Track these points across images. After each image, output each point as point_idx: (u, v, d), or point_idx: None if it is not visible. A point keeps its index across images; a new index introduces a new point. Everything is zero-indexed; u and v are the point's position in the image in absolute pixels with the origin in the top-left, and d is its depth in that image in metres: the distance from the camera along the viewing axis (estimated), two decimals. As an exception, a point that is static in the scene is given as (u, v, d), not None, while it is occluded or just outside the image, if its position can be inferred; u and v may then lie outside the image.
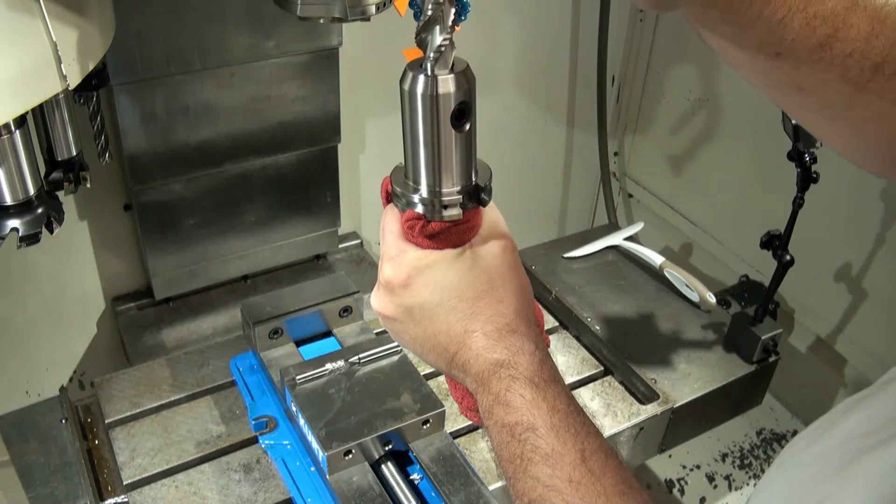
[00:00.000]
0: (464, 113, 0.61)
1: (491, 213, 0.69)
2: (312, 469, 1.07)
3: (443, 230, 0.65)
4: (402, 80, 0.60)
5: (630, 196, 2.07)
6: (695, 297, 1.42)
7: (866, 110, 0.59)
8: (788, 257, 1.24)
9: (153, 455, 1.10)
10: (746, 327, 1.31)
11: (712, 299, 1.40)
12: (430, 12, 0.58)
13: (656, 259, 1.50)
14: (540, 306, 0.71)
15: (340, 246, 1.65)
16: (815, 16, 0.55)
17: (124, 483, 1.07)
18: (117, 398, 1.18)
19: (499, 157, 1.92)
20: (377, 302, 0.69)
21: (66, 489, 1.06)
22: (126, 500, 1.06)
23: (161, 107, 1.26)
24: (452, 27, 0.59)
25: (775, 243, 1.24)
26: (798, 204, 1.20)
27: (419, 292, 0.65)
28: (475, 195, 0.65)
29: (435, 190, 0.64)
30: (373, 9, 0.86)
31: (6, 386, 1.47)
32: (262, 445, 1.11)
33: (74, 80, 0.76)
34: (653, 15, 1.84)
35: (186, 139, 1.31)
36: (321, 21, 0.86)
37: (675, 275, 1.46)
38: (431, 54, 0.59)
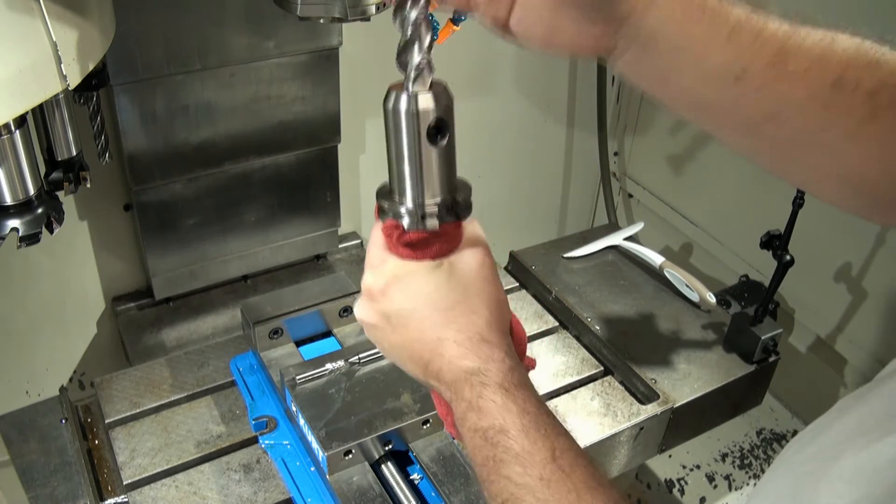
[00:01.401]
0: (441, 129, 0.65)
1: (472, 229, 0.71)
2: (312, 469, 1.07)
3: (420, 240, 0.68)
4: (385, 99, 0.66)
5: (630, 196, 2.07)
6: (695, 297, 1.42)
7: (838, 130, 0.61)
8: (788, 257, 1.24)
9: (153, 455, 1.10)
10: (746, 327, 1.31)
11: (712, 299, 1.40)
12: (408, 34, 0.62)
13: (656, 259, 1.50)
14: (521, 325, 0.74)
15: (340, 246, 1.65)
16: (760, 32, 0.60)
17: (124, 483, 1.07)
18: (117, 398, 1.18)
19: (499, 157, 1.93)
20: (358, 309, 0.73)
21: (66, 489, 1.06)
22: (126, 500, 1.06)
23: (161, 107, 1.26)
24: (430, 48, 0.63)
25: (775, 243, 1.24)
26: (798, 204, 1.20)
27: (396, 300, 0.68)
28: (453, 209, 0.68)
29: (413, 201, 0.68)
30: (373, 9, 0.86)
31: (6, 386, 1.47)
32: (262, 445, 1.11)
33: (74, 80, 0.76)
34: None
35: (186, 139, 1.31)
36: (321, 21, 0.86)
37: (675, 275, 1.46)
38: (412, 73, 0.63)
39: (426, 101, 0.64)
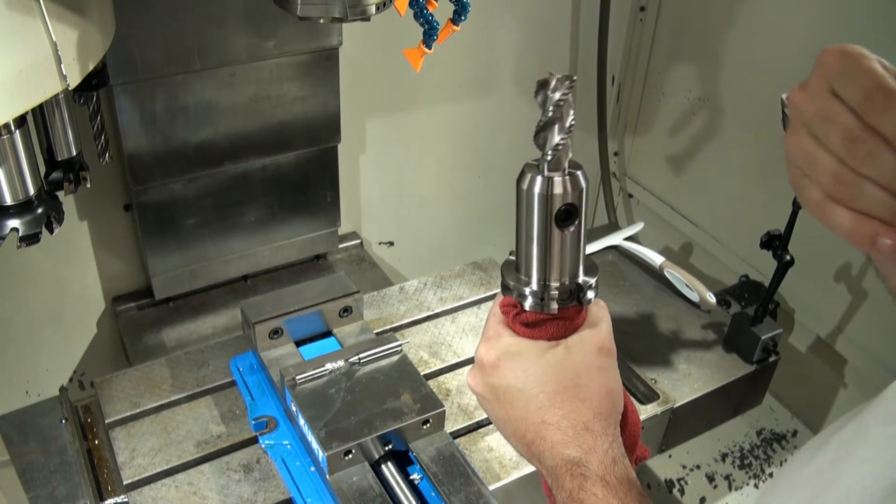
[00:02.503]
0: (570, 214, 0.65)
1: (596, 311, 0.72)
2: (312, 469, 1.07)
3: (538, 321, 0.69)
4: (519, 179, 0.65)
5: (630, 196, 2.07)
6: (695, 297, 1.42)
7: None
8: (788, 257, 1.24)
9: (153, 455, 1.10)
10: (746, 327, 1.31)
11: (712, 299, 1.40)
12: (550, 113, 0.61)
13: (656, 259, 1.50)
14: (637, 414, 0.73)
15: (340, 246, 1.65)
16: None
17: (124, 483, 1.07)
18: (117, 398, 1.18)
19: (499, 157, 1.92)
20: (470, 377, 0.73)
21: (66, 489, 1.06)
22: (126, 500, 1.06)
23: (161, 107, 1.26)
24: (570, 129, 0.62)
25: (775, 243, 1.24)
26: (798, 204, 1.20)
27: (505, 375, 0.69)
28: (575, 293, 0.68)
29: (535, 282, 0.68)
30: (373, 9, 0.86)
31: (6, 386, 1.47)
32: (262, 445, 1.11)
33: (74, 80, 0.76)
34: (653, 14, 1.84)
35: (186, 139, 1.31)
36: (321, 21, 0.86)
37: (675, 275, 1.46)
38: (548, 154, 0.62)
39: (560, 186, 0.63)
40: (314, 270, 1.60)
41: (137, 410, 1.17)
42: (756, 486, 1.78)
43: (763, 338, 1.29)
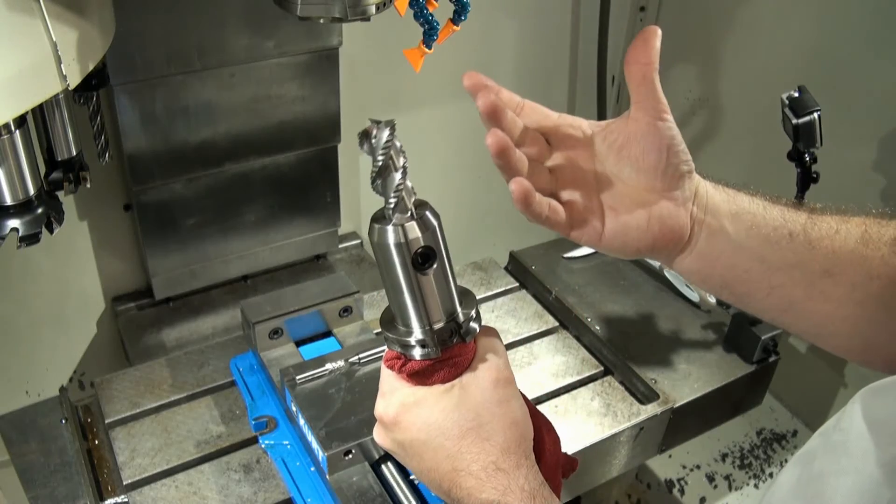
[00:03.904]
0: (427, 257, 0.63)
1: (487, 344, 0.69)
2: (312, 469, 1.07)
3: (423, 368, 0.66)
4: (369, 232, 0.63)
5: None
6: (695, 297, 1.43)
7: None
8: (788, 257, 1.23)
9: (153, 455, 1.10)
10: (746, 327, 1.31)
11: (712, 299, 1.40)
12: (380, 161, 0.60)
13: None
14: (555, 431, 0.71)
15: (340, 246, 1.65)
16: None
17: (124, 483, 1.07)
18: (117, 398, 1.18)
19: (499, 157, 1.92)
20: (376, 434, 0.72)
21: (66, 489, 1.06)
22: (126, 500, 1.06)
23: (161, 107, 1.26)
24: (405, 169, 0.60)
25: (775, 243, 1.24)
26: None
27: (408, 429, 0.67)
28: (455, 331, 0.66)
29: (414, 330, 0.65)
30: (373, 9, 0.86)
31: (6, 386, 1.47)
32: (262, 445, 1.11)
33: (74, 80, 0.76)
34: (653, 14, 1.84)
35: (186, 139, 1.31)
36: (321, 21, 0.86)
37: (675, 275, 1.46)
38: (392, 199, 0.61)
39: (411, 231, 0.61)
40: (314, 270, 1.60)
41: (137, 410, 1.17)
42: (756, 486, 1.78)
43: (763, 338, 1.29)
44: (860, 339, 0.69)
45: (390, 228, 0.62)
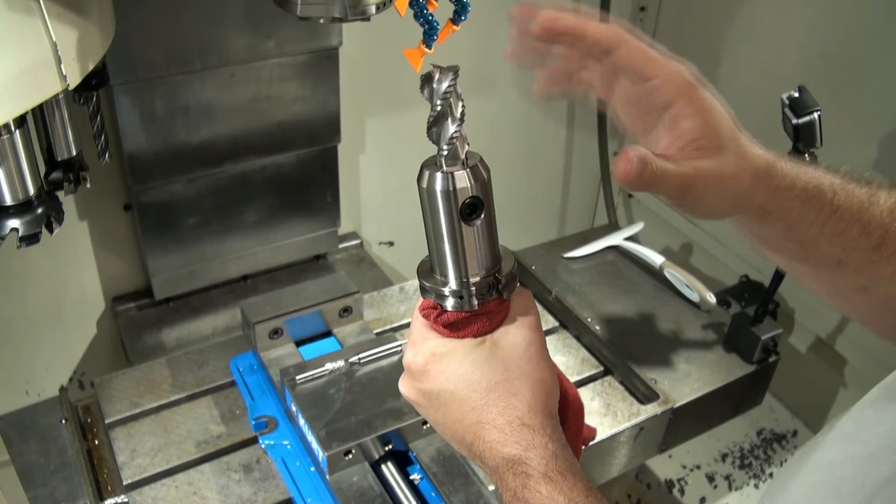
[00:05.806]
0: (475, 207, 0.62)
1: (521, 301, 0.69)
2: (312, 469, 1.07)
3: (460, 320, 0.66)
4: (418, 178, 0.63)
5: (630, 196, 2.07)
6: (695, 297, 1.42)
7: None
8: (788, 257, 1.23)
9: (153, 455, 1.10)
10: (746, 327, 1.31)
11: (712, 299, 1.40)
12: (438, 107, 0.59)
13: (656, 259, 1.50)
14: (580, 399, 0.71)
15: (340, 246, 1.65)
16: (868, 222, 0.63)
17: (124, 483, 1.07)
18: (117, 398, 1.18)
19: (499, 158, 1.92)
20: (401, 384, 0.71)
21: (66, 489, 1.06)
22: (126, 500, 1.06)
23: (161, 107, 1.26)
24: (462, 118, 0.60)
25: (775, 243, 1.24)
26: (798, 204, 1.20)
27: (436, 379, 0.67)
28: (494, 286, 0.66)
29: (451, 281, 0.65)
30: (373, 9, 0.86)
31: (6, 386, 1.47)
32: (262, 445, 1.11)
33: (74, 80, 0.76)
34: (653, 14, 1.84)
35: (186, 139, 1.31)
36: (321, 21, 0.86)
37: (675, 275, 1.46)
38: (444, 149, 0.61)
39: (461, 180, 0.61)
40: (314, 270, 1.60)
41: (137, 410, 1.17)
42: (756, 486, 1.78)
43: (763, 338, 1.29)
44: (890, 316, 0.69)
45: (440, 175, 0.61)
